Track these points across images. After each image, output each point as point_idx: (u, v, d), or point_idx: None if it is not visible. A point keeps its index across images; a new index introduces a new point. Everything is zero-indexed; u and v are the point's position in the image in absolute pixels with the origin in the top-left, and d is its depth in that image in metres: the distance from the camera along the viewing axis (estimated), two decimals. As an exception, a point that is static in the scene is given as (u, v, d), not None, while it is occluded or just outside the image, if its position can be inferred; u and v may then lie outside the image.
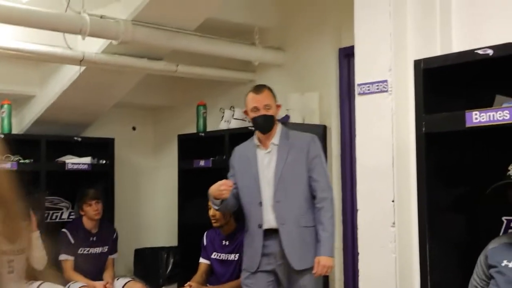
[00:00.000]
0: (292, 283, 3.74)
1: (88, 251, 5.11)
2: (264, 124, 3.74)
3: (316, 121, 5.08)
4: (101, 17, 4.30)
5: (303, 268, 3.67)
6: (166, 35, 4.57)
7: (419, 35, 3.11)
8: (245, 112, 3.88)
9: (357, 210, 3.26)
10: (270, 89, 3.83)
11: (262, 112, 3.72)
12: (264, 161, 3.77)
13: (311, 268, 3.63)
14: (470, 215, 2.64)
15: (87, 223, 5.12)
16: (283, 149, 3.75)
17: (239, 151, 3.94)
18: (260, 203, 3.72)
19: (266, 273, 3.74)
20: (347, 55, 4.90)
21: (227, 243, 4.45)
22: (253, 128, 3.98)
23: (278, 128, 3.81)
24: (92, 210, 5.07)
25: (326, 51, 5.11)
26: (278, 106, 3.86)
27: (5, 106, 5.30)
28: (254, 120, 3.77)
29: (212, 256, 4.53)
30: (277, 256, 3.71)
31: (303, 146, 3.75)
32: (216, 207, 3.89)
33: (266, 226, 3.72)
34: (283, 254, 3.69)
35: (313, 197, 3.72)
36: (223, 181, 3.75)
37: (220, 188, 3.71)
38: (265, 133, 3.76)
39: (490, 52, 2.27)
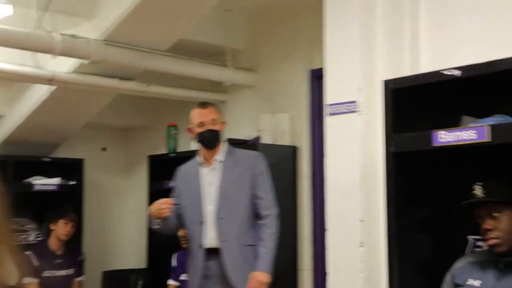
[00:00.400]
0: None
1: (53, 273, 5.02)
2: (211, 138, 3.68)
3: (287, 142, 5.10)
4: (73, 36, 4.28)
5: (242, 287, 3.55)
6: (138, 55, 4.57)
7: (388, 56, 3.16)
8: (189, 130, 3.79)
9: (326, 230, 3.27)
10: (215, 106, 3.82)
11: (209, 126, 3.67)
12: (207, 179, 3.70)
13: None
14: (437, 234, 2.67)
15: (53, 244, 5.04)
16: (228, 165, 3.69)
17: (182, 170, 3.86)
18: (201, 222, 3.64)
19: None
20: (318, 77, 4.93)
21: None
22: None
23: (223, 145, 3.77)
24: (65, 230, 5.00)
25: (297, 73, 5.15)
26: (223, 123, 3.80)
27: (-27, 126, 5.23)
28: (200, 135, 3.68)
29: (181, 278, 4.49)
30: (218, 278, 3.59)
31: (248, 163, 3.71)
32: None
33: (207, 245, 3.61)
34: (224, 275, 3.56)
35: (256, 215, 3.65)
36: (164, 199, 3.63)
37: (160, 207, 3.58)
38: (210, 148, 3.70)
39: (457, 73, 2.31)
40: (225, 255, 3.56)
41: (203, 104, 3.76)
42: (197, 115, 3.70)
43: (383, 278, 2.77)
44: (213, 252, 3.59)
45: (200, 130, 3.67)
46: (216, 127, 3.68)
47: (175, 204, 3.68)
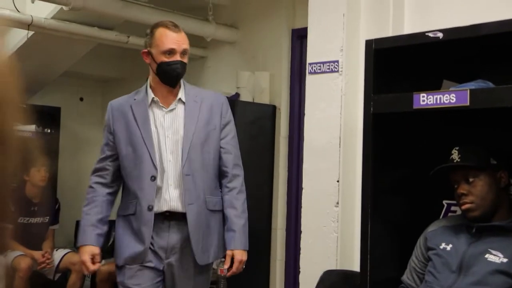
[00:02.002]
0: (182, 284, 2.93)
1: (28, 220, 5.01)
2: (178, 74, 2.88)
3: (266, 100, 5.07)
4: (52, -19, 4.19)
5: (205, 263, 2.93)
6: (119, 4, 4.48)
7: (371, 16, 3.14)
8: (145, 54, 2.92)
9: (301, 189, 3.28)
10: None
11: (178, 57, 2.85)
12: (164, 123, 2.91)
13: (210, 265, 3.01)
14: (412, 197, 2.68)
15: (30, 191, 5.00)
16: (192, 107, 2.93)
17: (119, 109, 2.97)
18: (153, 177, 2.85)
19: (153, 270, 2.90)
20: (300, 36, 4.91)
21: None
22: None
23: (182, 81, 2.97)
24: (39, 176, 4.96)
25: (279, 31, 5.10)
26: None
27: None
28: (164, 66, 2.85)
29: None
30: (173, 251, 2.90)
31: (216, 106, 2.99)
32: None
33: (160, 208, 2.86)
34: (183, 248, 2.89)
35: (221, 172, 3.00)
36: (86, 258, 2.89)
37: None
38: (173, 86, 2.91)
39: (440, 35, 2.29)
40: (191, 221, 2.85)
41: (176, 26, 2.91)
42: (167, 39, 2.85)
43: (356, 238, 2.79)
44: (169, 218, 2.88)
45: (165, 59, 2.84)
46: (185, 59, 2.90)
47: (110, 155, 2.96)
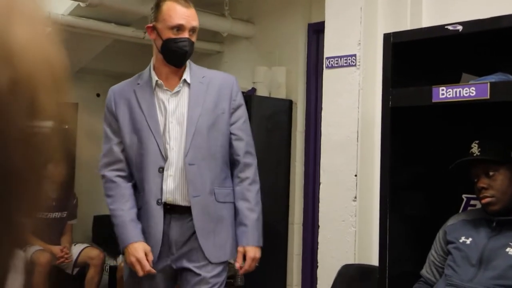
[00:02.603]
0: (194, 283, 2.62)
1: (47, 215, 5.04)
2: (185, 53, 2.59)
3: (282, 95, 5.07)
4: (69, -23, 4.21)
5: (220, 261, 2.65)
6: (136, 0, 4.49)
7: (389, 10, 3.12)
8: (151, 29, 2.63)
9: (319, 184, 3.27)
10: None
11: (186, 35, 2.57)
12: (170, 106, 2.63)
13: (226, 263, 2.70)
14: (431, 192, 2.67)
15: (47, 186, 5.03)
16: (198, 89, 2.64)
17: (121, 94, 2.70)
18: (161, 168, 2.60)
19: (166, 268, 2.65)
20: (316, 31, 4.89)
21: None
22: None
23: (188, 61, 2.69)
24: (57, 171, 4.98)
25: (295, 26, 5.09)
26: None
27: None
28: (171, 43, 2.57)
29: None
30: (184, 246, 2.63)
31: (226, 88, 2.69)
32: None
33: (165, 199, 2.61)
34: (193, 242, 2.62)
35: (231, 161, 2.72)
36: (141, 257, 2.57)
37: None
38: (179, 66, 2.64)
39: (460, 28, 2.28)
40: (197, 215, 2.59)
41: (187, 1, 2.63)
42: (175, 14, 2.57)
43: (375, 233, 2.78)
44: (177, 211, 2.62)
45: (172, 36, 2.57)
46: (193, 38, 2.62)
47: (119, 142, 2.70)
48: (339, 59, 3.16)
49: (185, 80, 2.64)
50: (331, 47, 3.22)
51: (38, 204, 0.42)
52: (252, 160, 2.71)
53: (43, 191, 0.41)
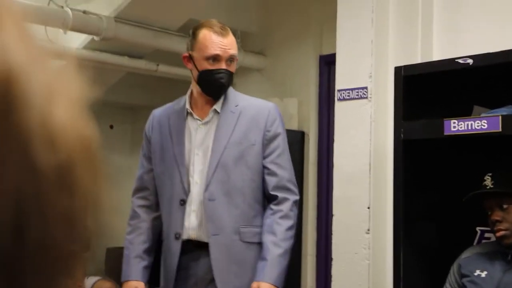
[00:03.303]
0: None
1: (59, 248, 5.05)
2: (224, 85, 2.46)
3: (294, 127, 5.08)
4: (84, 12, 4.27)
5: None
6: (149, 34, 4.55)
7: (400, 42, 3.14)
8: (187, 59, 2.50)
9: (332, 216, 3.27)
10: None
11: (224, 65, 2.43)
12: (197, 136, 2.49)
13: None
14: (445, 224, 2.66)
15: None
16: (227, 119, 2.47)
17: (159, 118, 2.60)
18: (183, 201, 2.45)
19: None
20: (327, 63, 4.92)
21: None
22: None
23: (232, 89, 2.59)
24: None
25: (306, 58, 5.13)
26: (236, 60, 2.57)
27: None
28: (208, 74, 2.43)
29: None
30: (200, 284, 2.48)
31: (259, 117, 2.49)
32: None
33: (187, 235, 2.46)
34: (209, 282, 2.45)
35: (266, 197, 2.50)
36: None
37: None
38: (217, 98, 2.49)
39: (470, 61, 2.29)
40: (215, 254, 2.41)
41: (223, 28, 2.47)
42: (211, 43, 2.42)
43: (388, 266, 2.77)
44: (196, 247, 2.46)
45: (210, 67, 2.42)
46: (232, 68, 2.48)
47: (150, 169, 2.57)
48: (350, 91, 3.18)
49: (215, 110, 2.49)
50: (342, 80, 3.24)
51: (79, 273, 0.44)
52: (289, 195, 2.47)
53: (83, 262, 0.43)
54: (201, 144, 2.48)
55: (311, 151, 5.03)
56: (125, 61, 4.90)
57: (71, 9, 4.16)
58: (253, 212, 2.47)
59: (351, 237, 3.12)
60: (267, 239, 2.42)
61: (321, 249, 4.86)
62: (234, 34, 5.29)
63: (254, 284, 2.38)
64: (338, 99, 3.25)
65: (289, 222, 2.44)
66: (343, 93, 3.21)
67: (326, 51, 4.96)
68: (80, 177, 0.40)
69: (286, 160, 2.52)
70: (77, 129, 0.40)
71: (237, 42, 5.24)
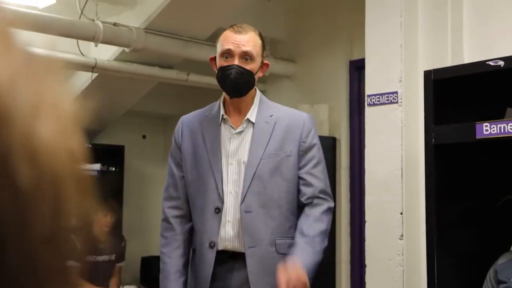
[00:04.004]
0: None
1: (95, 258, 5.11)
2: (237, 81, 2.37)
3: (325, 133, 5.07)
4: (114, 24, 4.33)
5: None
6: (178, 44, 4.59)
7: (430, 46, 3.11)
8: (212, 60, 2.48)
9: (365, 222, 3.24)
10: (259, 35, 2.49)
11: (237, 61, 2.36)
12: (231, 145, 2.44)
13: None
14: (480, 229, 2.62)
15: (97, 231, 5.13)
16: (262, 130, 2.42)
17: (189, 124, 2.52)
18: (218, 210, 2.40)
19: None
20: (358, 68, 4.91)
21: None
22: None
23: (257, 97, 2.49)
24: (105, 221, 5.08)
25: (337, 63, 5.12)
26: (266, 65, 2.48)
27: (18, 111, 5.33)
28: (221, 71, 2.39)
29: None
30: None
31: (294, 127, 2.44)
32: None
33: (223, 246, 2.40)
34: None
35: (300, 206, 2.45)
36: None
37: None
38: (236, 96, 2.42)
39: (501, 63, 2.26)
40: (251, 266, 2.36)
41: (242, 27, 2.44)
42: (227, 39, 2.40)
43: (423, 272, 2.73)
44: (231, 258, 2.42)
45: (224, 63, 2.38)
46: (249, 66, 2.38)
47: (182, 177, 2.50)
48: (380, 96, 3.16)
49: (248, 120, 2.44)
50: (372, 85, 3.22)
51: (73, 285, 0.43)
52: (323, 202, 2.41)
53: (69, 279, 0.42)
54: (235, 154, 2.43)
55: (343, 157, 5.01)
56: (155, 71, 4.95)
57: (101, 22, 4.23)
58: (288, 224, 2.42)
59: (384, 243, 3.09)
60: (300, 240, 2.34)
61: (355, 256, 4.83)
62: (264, 41, 5.31)
63: (292, 262, 2.25)
64: (368, 105, 3.23)
65: (322, 226, 2.38)
66: (373, 98, 3.19)
67: (356, 56, 4.94)
68: (65, 193, 0.39)
69: (321, 170, 2.47)
70: (63, 144, 0.39)
71: (267, 50, 5.27)
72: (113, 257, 5.21)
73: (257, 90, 2.52)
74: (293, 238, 2.38)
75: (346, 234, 4.95)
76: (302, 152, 2.42)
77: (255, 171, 2.38)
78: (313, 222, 2.37)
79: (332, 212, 2.46)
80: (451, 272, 2.50)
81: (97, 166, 5.65)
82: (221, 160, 2.42)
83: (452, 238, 2.53)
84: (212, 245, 2.39)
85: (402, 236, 3.04)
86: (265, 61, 2.47)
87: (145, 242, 6.38)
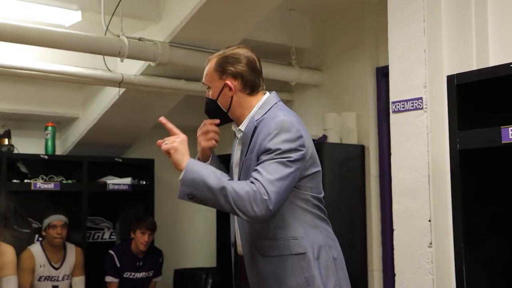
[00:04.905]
0: None
1: (134, 275, 5.16)
2: (206, 110, 2.63)
3: (354, 141, 5.04)
4: (139, 39, 4.37)
5: None
6: (203, 56, 4.56)
7: (454, 50, 3.07)
8: None
9: (393, 230, 3.21)
10: (217, 56, 2.58)
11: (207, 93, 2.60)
12: (236, 156, 2.59)
13: None
14: (508, 235, 2.57)
15: (135, 248, 5.17)
16: (247, 135, 2.47)
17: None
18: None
19: None
20: (385, 75, 4.85)
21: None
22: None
23: (258, 104, 2.52)
24: (142, 239, 5.11)
25: (363, 71, 5.09)
26: (225, 84, 2.53)
27: (50, 128, 5.41)
28: None
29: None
30: None
31: (263, 129, 2.39)
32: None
33: (239, 250, 2.54)
34: None
35: (297, 212, 2.42)
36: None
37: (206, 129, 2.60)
38: (216, 122, 2.62)
39: (525, 66, 2.22)
40: (248, 270, 2.47)
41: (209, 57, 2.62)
42: None
43: (453, 280, 2.68)
44: (242, 260, 2.53)
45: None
46: (210, 94, 2.59)
47: None
48: (405, 103, 3.13)
49: (240, 129, 2.54)
50: (396, 91, 3.20)
51: None
52: (260, 189, 2.23)
53: None
54: (238, 163, 2.54)
55: (372, 164, 4.97)
56: (182, 84, 4.98)
57: (127, 37, 4.27)
58: (266, 226, 2.38)
59: (413, 252, 3.05)
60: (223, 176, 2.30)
61: (387, 264, 4.78)
62: (289, 52, 5.31)
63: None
64: (393, 111, 3.21)
65: (240, 191, 2.23)
66: (398, 105, 3.17)
67: (383, 63, 4.90)
68: None
69: (273, 168, 2.29)
70: None
71: (292, 60, 5.28)
72: (150, 273, 5.26)
73: (265, 96, 2.55)
74: (275, 239, 2.37)
75: (378, 243, 4.90)
76: (260, 153, 2.35)
77: (238, 177, 2.48)
78: (238, 183, 2.30)
79: (254, 205, 2.23)
80: (481, 279, 2.45)
81: (128, 180, 5.69)
82: (233, 170, 2.59)
83: (481, 246, 2.48)
84: (233, 244, 2.56)
85: (431, 243, 3.00)
86: (226, 81, 2.52)
87: (178, 255, 6.40)
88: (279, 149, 2.30)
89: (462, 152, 2.42)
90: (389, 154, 4.67)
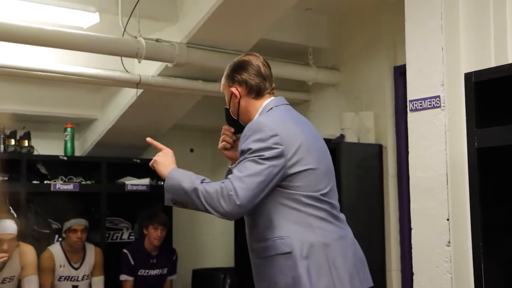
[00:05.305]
0: None
1: (148, 272, 5.18)
2: (226, 120, 2.76)
3: (371, 140, 5.02)
4: (157, 40, 4.39)
5: None
6: (220, 57, 4.62)
7: (472, 47, 3.05)
8: None
9: (411, 229, 3.20)
10: (229, 67, 2.68)
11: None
12: None
13: None
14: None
15: (148, 245, 5.20)
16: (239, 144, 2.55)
17: None
18: None
19: None
20: (402, 73, 4.83)
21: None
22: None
23: (258, 111, 2.60)
24: (155, 234, 5.14)
25: (381, 70, 5.07)
26: (231, 92, 2.62)
27: (69, 129, 5.46)
28: None
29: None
30: None
31: (240, 141, 2.50)
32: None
33: None
34: None
35: (286, 214, 2.44)
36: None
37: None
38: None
39: (543, 63, 2.20)
40: (252, 269, 2.54)
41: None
42: None
43: (472, 279, 2.66)
44: None
45: None
46: (228, 105, 2.70)
47: None
48: (423, 101, 3.11)
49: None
50: (414, 90, 3.18)
51: None
52: (230, 186, 2.31)
53: None
54: None
55: (390, 164, 4.95)
56: (199, 85, 5.00)
57: (144, 38, 4.29)
58: (258, 228, 2.43)
59: (432, 251, 3.03)
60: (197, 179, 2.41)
61: (406, 264, 4.76)
62: (306, 52, 5.31)
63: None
64: (410, 110, 3.19)
65: (207, 198, 2.33)
66: (415, 103, 3.15)
67: (400, 62, 4.89)
68: None
69: (246, 167, 2.36)
70: None
71: (309, 59, 5.28)
72: (164, 271, 5.27)
73: (267, 100, 2.60)
74: (265, 241, 2.39)
75: (396, 242, 4.88)
76: (239, 154, 2.44)
77: None
78: (211, 183, 2.38)
79: (230, 190, 2.31)
80: (499, 277, 2.44)
81: (146, 181, 5.72)
82: None
83: (501, 245, 2.46)
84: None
85: (449, 242, 2.98)
86: (231, 88, 2.62)
87: (196, 255, 6.42)
88: (250, 149, 2.38)
89: (480, 150, 2.40)
90: (407, 153, 4.66)
